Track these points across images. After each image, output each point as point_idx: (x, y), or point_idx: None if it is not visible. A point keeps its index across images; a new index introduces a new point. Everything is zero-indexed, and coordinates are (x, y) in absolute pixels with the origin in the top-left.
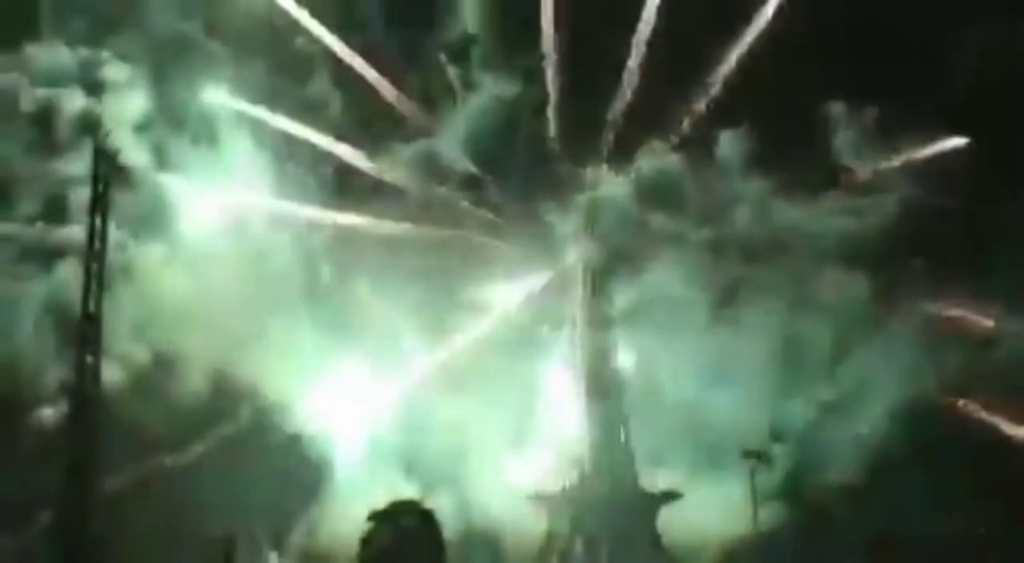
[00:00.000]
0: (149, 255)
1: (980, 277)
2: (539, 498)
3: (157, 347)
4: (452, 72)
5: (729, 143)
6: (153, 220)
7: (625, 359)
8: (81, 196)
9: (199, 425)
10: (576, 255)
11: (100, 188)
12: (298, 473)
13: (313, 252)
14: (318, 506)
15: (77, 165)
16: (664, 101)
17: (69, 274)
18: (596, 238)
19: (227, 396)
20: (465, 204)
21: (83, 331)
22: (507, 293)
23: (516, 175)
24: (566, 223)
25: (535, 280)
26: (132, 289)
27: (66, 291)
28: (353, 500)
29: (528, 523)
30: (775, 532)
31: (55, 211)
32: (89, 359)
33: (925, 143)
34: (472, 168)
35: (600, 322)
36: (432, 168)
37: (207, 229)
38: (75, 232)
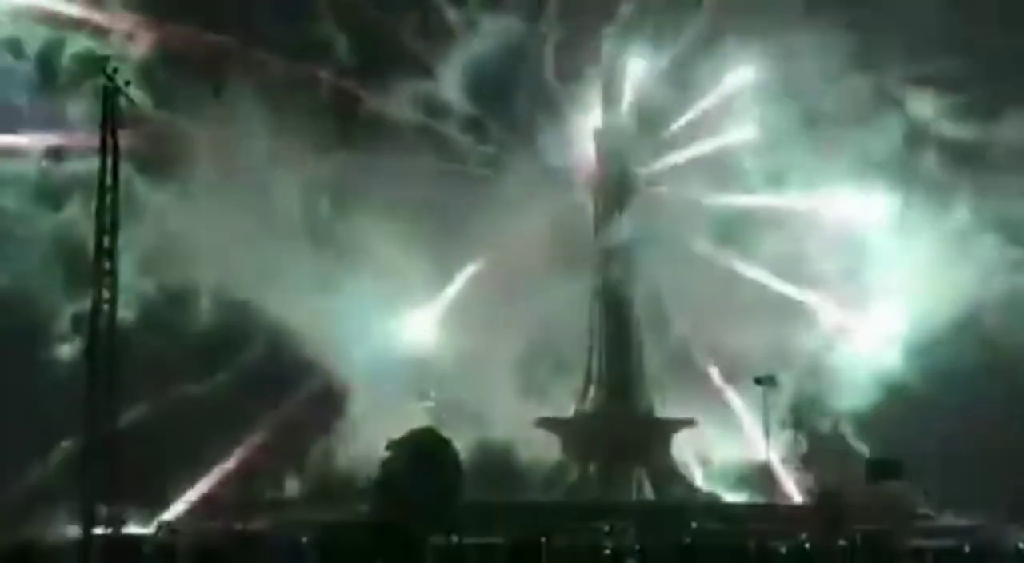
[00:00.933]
0: (156, 192)
1: None
2: (550, 424)
3: (168, 283)
4: (451, 12)
5: None
6: (158, 157)
7: (636, 285)
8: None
9: (215, 356)
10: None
11: (110, 124)
12: (313, 400)
13: (316, 187)
14: (334, 432)
15: (80, 106)
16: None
17: (76, 213)
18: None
19: (239, 328)
20: (466, 140)
21: (99, 266)
22: (511, 226)
23: (516, 111)
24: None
25: (539, 213)
26: (140, 226)
27: (73, 229)
28: (368, 426)
29: (542, 449)
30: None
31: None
32: (105, 293)
33: None
34: (472, 106)
35: (613, 242)
36: (433, 106)
37: (211, 166)
38: (80, 169)
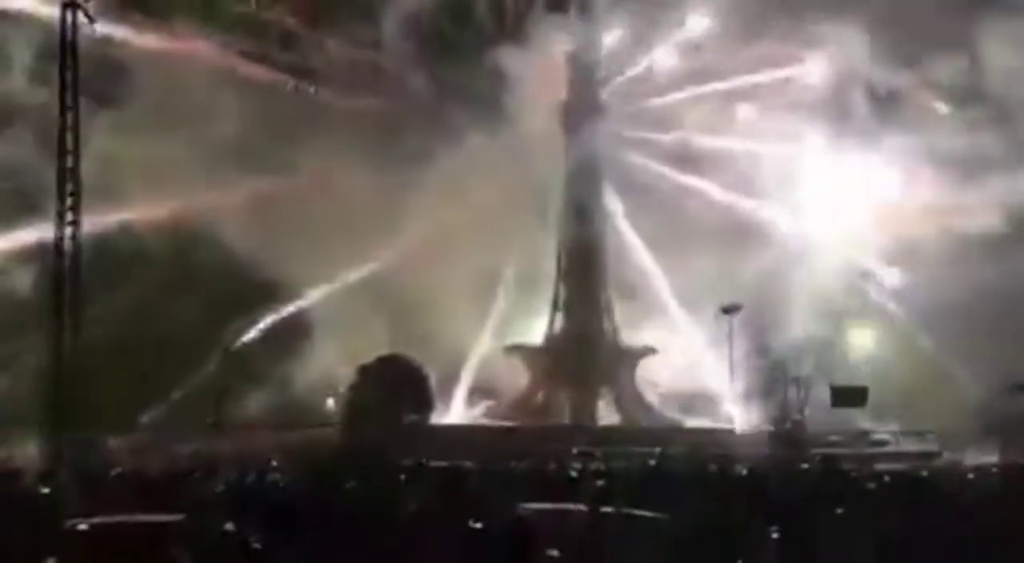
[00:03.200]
0: (103, 118)
1: None
2: (517, 351)
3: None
4: None
5: None
6: (105, 82)
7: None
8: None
9: (172, 284)
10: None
11: (69, 44)
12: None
13: (267, 120)
14: (294, 354)
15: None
16: None
17: (23, 138)
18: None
19: (190, 255)
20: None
21: (61, 188)
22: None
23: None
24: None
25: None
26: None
27: (18, 156)
28: (326, 349)
29: (510, 376)
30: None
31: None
32: (69, 216)
33: None
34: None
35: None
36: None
37: (156, 93)
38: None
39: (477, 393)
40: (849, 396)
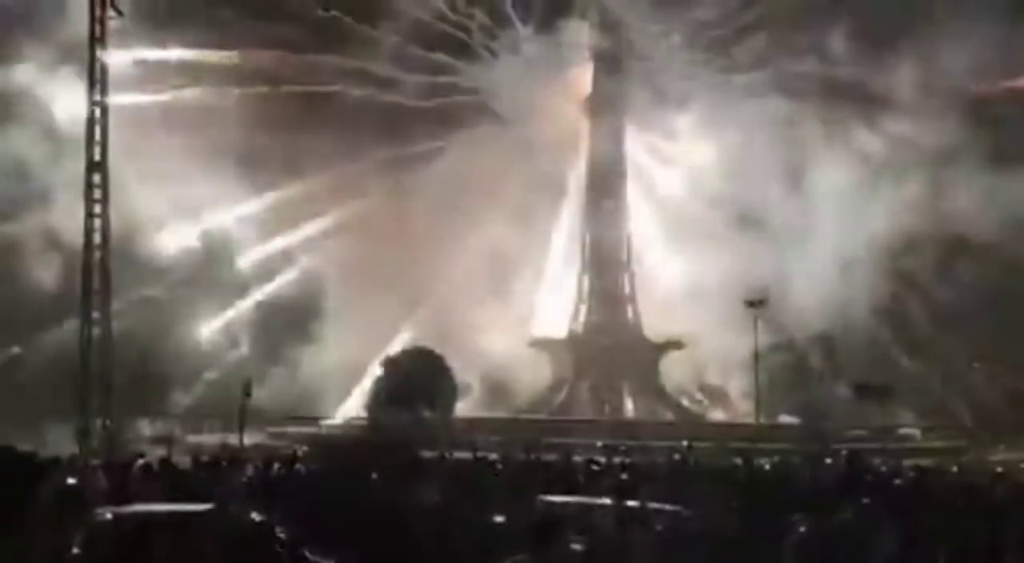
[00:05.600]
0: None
1: None
2: (541, 344)
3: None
4: None
5: None
6: None
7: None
8: None
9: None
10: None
11: (98, 31)
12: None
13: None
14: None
15: None
16: None
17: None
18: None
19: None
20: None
21: (90, 179)
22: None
23: None
24: None
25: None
26: None
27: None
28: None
29: (532, 370)
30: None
31: None
32: (97, 208)
33: None
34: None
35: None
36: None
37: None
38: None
39: (500, 386)
40: (874, 393)
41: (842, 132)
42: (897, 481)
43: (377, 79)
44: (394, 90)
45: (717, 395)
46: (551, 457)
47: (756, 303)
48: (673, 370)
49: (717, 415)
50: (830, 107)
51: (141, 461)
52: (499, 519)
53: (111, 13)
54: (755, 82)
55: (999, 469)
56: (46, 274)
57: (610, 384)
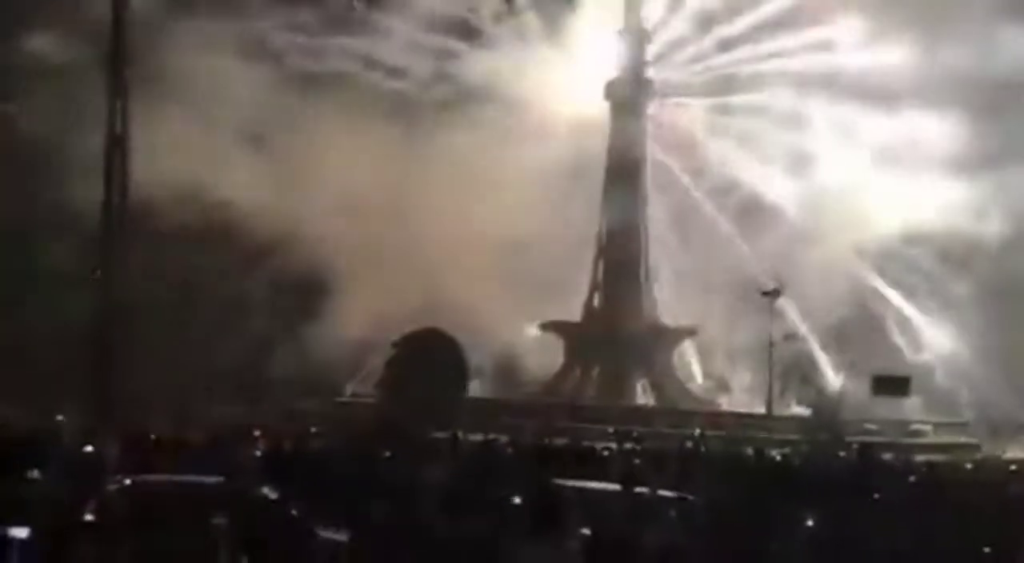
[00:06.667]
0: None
1: None
2: (554, 327)
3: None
4: None
5: None
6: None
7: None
8: None
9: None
10: None
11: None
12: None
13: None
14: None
15: None
16: None
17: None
18: None
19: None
20: None
21: (110, 152)
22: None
23: None
24: None
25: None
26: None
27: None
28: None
29: (545, 354)
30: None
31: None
32: (118, 179)
33: None
34: None
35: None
36: None
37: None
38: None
39: (512, 368)
40: (892, 386)
41: None
42: (911, 478)
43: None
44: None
45: (725, 384)
46: (563, 441)
47: (771, 292)
48: (686, 357)
49: (726, 404)
50: None
51: (155, 434)
52: (511, 500)
53: None
54: None
55: (1012, 468)
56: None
57: (623, 369)
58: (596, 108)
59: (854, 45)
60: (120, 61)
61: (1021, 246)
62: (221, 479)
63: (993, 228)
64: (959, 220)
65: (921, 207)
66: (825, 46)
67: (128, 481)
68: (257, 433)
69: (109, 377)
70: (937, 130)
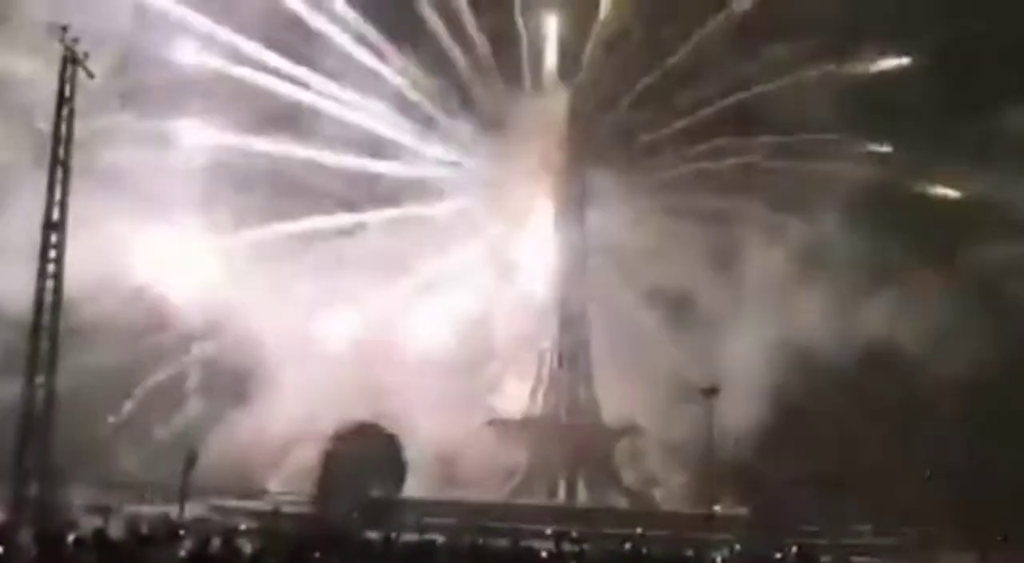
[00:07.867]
0: None
1: None
2: (497, 425)
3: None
4: None
5: None
6: None
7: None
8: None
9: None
10: None
11: (68, 93)
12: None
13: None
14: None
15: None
16: None
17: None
18: None
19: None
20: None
21: (46, 239)
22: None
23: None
24: None
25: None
26: None
27: None
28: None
29: (486, 449)
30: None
31: None
32: (51, 267)
33: None
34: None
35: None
36: None
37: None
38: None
39: (453, 464)
40: (829, 485)
41: None
42: None
43: None
44: None
45: (664, 484)
46: (501, 542)
47: (709, 391)
48: (627, 455)
49: (663, 502)
50: None
51: (75, 533)
52: None
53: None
54: None
55: None
56: None
57: (564, 469)
58: None
59: None
60: (63, 148)
61: None
62: None
63: None
64: None
65: None
66: None
67: None
68: (182, 532)
69: (30, 471)
70: None
